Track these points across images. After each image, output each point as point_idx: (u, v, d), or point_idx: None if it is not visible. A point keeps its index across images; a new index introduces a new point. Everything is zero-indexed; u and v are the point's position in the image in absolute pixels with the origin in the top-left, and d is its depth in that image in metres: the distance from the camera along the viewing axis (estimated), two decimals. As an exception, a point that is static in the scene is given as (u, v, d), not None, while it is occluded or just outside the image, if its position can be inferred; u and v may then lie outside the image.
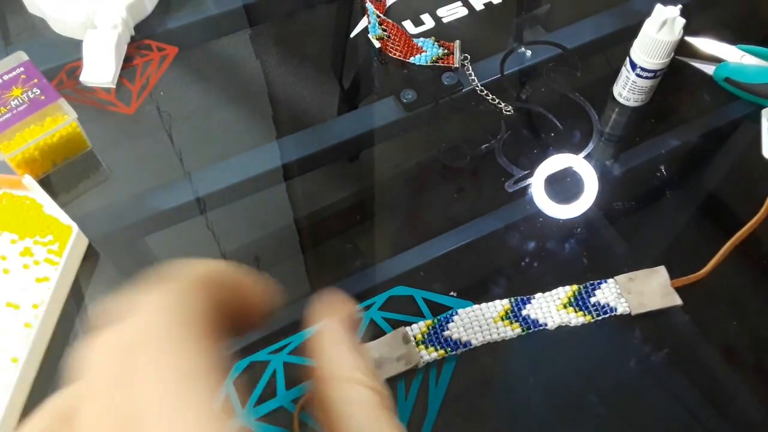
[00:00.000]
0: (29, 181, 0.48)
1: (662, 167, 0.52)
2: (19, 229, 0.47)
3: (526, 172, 0.52)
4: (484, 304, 0.30)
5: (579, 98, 0.56)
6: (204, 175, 0.51)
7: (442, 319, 0.35)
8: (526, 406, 0.42)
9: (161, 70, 0.57)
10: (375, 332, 0.44)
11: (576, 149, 0.53)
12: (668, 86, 0.55)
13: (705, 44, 0.58)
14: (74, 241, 0.46)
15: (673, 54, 0.51)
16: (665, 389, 0.43)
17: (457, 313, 0.33)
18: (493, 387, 0.43)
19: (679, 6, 0.49)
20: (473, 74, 0.57)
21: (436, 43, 0.58)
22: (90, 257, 0.47)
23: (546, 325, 0.32)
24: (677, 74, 0.56)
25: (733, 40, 0.57)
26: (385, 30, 0.58)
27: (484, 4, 0.62)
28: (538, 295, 0.32)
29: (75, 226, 0.46)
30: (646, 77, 0.52)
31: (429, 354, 0.33)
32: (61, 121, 0.49)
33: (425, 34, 0.60)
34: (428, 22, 0.61)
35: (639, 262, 0.46)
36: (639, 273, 0.37)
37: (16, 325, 0.44)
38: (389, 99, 0.56)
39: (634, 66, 0.52)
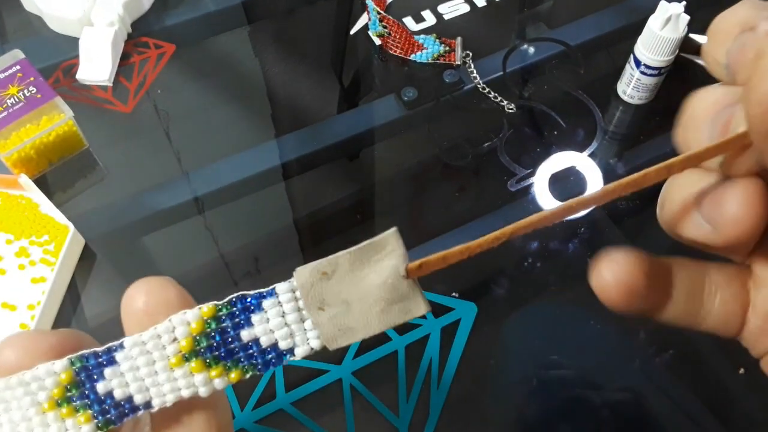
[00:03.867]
0: (25, 180, 0.48)
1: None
2: (14, 229, 0.47)
3: (529, 171, 0.51)
4: (16, 380, 0.16)
5: (582, 96, 0.56)
6: (202, 174, 0.51)
7: None
8: (529, 409, 0.42)
9: (158, 68, 0.57)
10: (376, 336, 0.43)
11: (579, 148, 0.53)
12: (673, 84, 0.54)
13: (710, 41, 0.57)
14: (70, 241, 0.45)
15: (677, 51, 0.50)
16: (669, 392, 0.42)
17: None
18: (495, 390, 0.43)
19: (684, 2, 0.49)
20: (475, 72, 0.56)
21: (437, 40, 0.58)
22: (86, 258, 0.47)
23: (150, 405, 0.16)
24: (682, 71, 0.55)
25: (739, 37, 0.57)
26: (385, 27, 0.58)
27: (486, 1, 0.62)
28: (131, 341, 0.16)
29: (71, 226, 0.46)
30: (651, 74, 0.52)
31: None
32: (58, 120, 0.49)
33: (426, 31, 0.59)
34: (429, 19, 0.60)
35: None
36: (342, 258, 0.17)
37: (12, 326, 0.43)
38: (390, 97, 0.55)
39: (638, 63, 0.51)
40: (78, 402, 0.16)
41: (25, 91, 0.49)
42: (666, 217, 0.17)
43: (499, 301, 0.46)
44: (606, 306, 0.17)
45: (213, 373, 0.16)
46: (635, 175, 0.16)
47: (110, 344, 0.16)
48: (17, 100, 0.48)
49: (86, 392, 0.16)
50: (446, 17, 0.61)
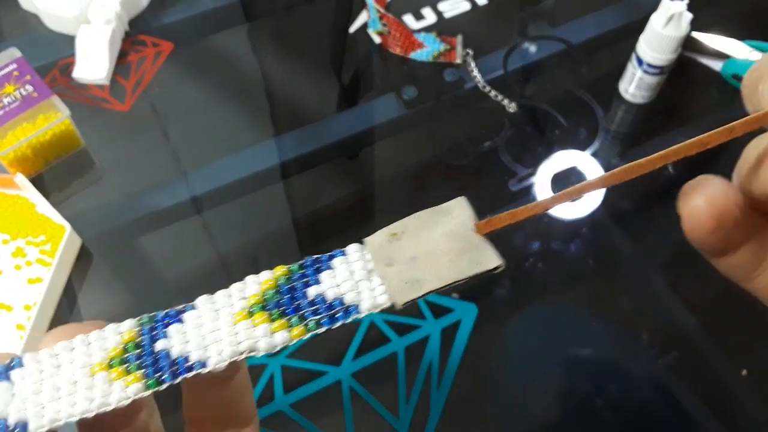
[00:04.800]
0: (21, 180, 0.47)
1: (669, 165, 0.51)
2: (11, 229, 0.47)
3: (530, 170, 0.51)
4: (79, 340, 0.16)
5: (584, 95, 0.55)
6: (200, 174, 0.51)
7: None
8: (530, 410, 0.41)
9: (156, 67, 0.56)
10: (375, 336, 0.43)
11: (581, 147, 0.52)
12: (675, 83, 0.54)
13: (712, 40, 0.57)
14: (67, 241, 0.45)
15: (680, 50, 0.50)
16: (671, 394, 0.42)
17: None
18: (496, 391, 0.42)
19: (686, 0, 0.48)
20: (476, 70, 0.56)
21: (437, 38, 0.57)
22: (83, 258, 0.47)
23: (205, 364, 0.16)
24: (684, 70, 0.55)
25: (741, 35, 0.56)
26: (385, 25, 0.57)
27: (486, -1, 0.61)
28: (203, 299, 0.17)
29: (68, 226, 0.46)
30: (653, 73, 0.51)
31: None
32: (54, 119, 0.48)
33: (427, 29, 0.59)
34: (430, 17, 0.60)
35: (646, 262, 0.45)
36: (412, 220, 0.18)
37: (9, 326, 0.43)
38: (389, 96, 0.55)
39: (640, 62, 0.51)
40: (132, 362, 0.16)
41: (22, 90, 0.49)
42: (741, 172, 0.17)
43: (500, 302, 0.45)
44: (687, 235, 0.16)
45: (275, 325, 0.16)
46: (700, 137, 0.16)
47: (183, 305, 0.16)
48: (13, 98, 0.48)
49: (143, 352, 0.16)
50: (447, 15, 0.60)
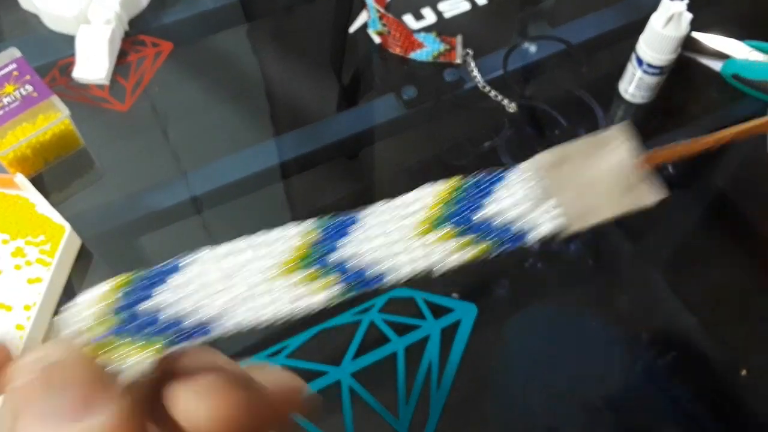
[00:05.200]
0: (21, 179, 0.47)
1: (668, 165, 0.51)
2: (10, 229, 0.46)
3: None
4: (241, 242, 0.16)
5: (584, 95, 0.55)
6: (200, 174, 0.51)
7: None
8: (529, 411, 0.41)
9: (156, 66, 0.56)
10: (375, 336, 0.43)
11: (581, 147, 0.52)
12: (675, 83, 0.54)
13: (712, 40, 0.57)
14: (67, 241, 0.45)
15: (680, 50, 0.50)
16: (671, 394, 0.42)
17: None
18: (496, 391, 0.42)
19: (686, 0, 0.48)
20: (476, 70, 0.56)
21: (437, 38, 0.57)
22: (83, 258, 0.47)
23: (381, 279, 0.15)
24: (684, 71, 0.55)
25: (741, 35, 0.56)
26: (385, 25, 0.57)
27: (486, -1, 0.61)
28: (379, 206, 0.16)
29: (67, 226, 0.46)
30: (653, 73, 0.51)
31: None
32: (54, 119, 0.48)
33: (426, 29, 0.59)
34: (429, 17, 0.60)
35: (646, 262, 0.45)
36: (575, 146, 0.18)
37: (8, 327, 0.43)
38: (389, 96, 0.55)
39: (640, 62, 0.51)
40: (316, 266, 0.16)
41: (21, 90, 0.49)
42: None
43: (500, 302, 0.45)
44: None
45: (453, 244, 0.16)
46: None
47: (351, 215, 0.16)
48: (13, 98, 0.48)
49: (323, 260, 0.16)
50: (446, 15, 0.60)
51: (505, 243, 0.16)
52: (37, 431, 0.13)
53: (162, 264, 0.16)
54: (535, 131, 0.53)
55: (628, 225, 0.49)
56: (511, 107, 0.54)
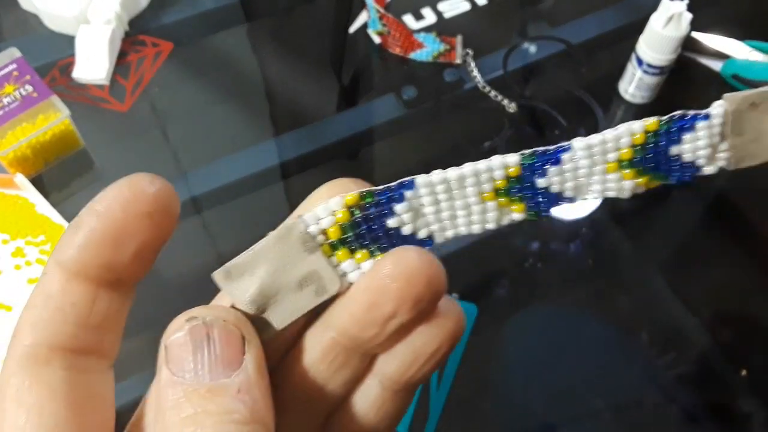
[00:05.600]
0: (21, 180, 0.47)
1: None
2: (10, 229, 0.46)
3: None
4: (468, 165, 0.18)
5: (584, 95, 0.55)
6: (199, 174, 0.50)
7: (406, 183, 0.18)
8: (529, 411, 0.41)
9: (156, 66, 0.56)
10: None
11: (580, 147, 0.52)
12: (675, 83, 0.54)
13: (712, 40, 0.56)
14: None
15: (679, 50, 0.50)
16: (671, 394, 0.42)
17: (413, 186, 0.18)
18: (496, 391, 0.42)
19: (686, 0, 0.48)
20: (476, 70, 0.56)
21: (437, 38, 0.57)
22: (83, 258, 0.46)
23: (571, 200, 0.18)
24: (684, 71, 0.55)
25: (741, 35, 0.56)
26: (385, 25, 0.57)
27: (486, -1, 0.61)
28: (577, 145, 0.17)
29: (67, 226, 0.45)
30: (653, 73, 0.51)
31: (358, 262, 0.17)
32: (54, 119, 0.48)
33: (426, 30, 0.59)
34: (429, 17, 0.60)
35: (646, 262, 0.45)
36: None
37: (8, 327, 0.43)
38: (389, 96, 0.55)
39: (640, 62, 0.51)
40: (515, 194, 0.17)
41: (21, 90, 0.48)
42: None
43: (500, 302, 0.45)
44: None
45: (640, 180, 0.18)
46: None
47: (560, 146, 0.17)
48: (13, 98, 0.48)
49: (524, 185, 0.17)
50: (446, 15, 0.60)
51: (677, 177, 0.18)
52: (180, 383, 0.14)
53: (395, 183, 0.17)
54: (535, 131, 0.53)
55: (628, 225, 0.49)
56: (511, 107, 0.54)
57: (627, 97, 0.54)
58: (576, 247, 0.47)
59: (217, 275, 0.17)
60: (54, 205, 0.47)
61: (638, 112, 0.54)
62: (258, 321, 0.16)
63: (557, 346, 0.44)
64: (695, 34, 0.56)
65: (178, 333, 0.15)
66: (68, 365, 0.15)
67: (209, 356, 0.14)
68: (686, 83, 0.56)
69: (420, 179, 0.17)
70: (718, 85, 0.56)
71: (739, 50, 0.56)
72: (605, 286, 0.47)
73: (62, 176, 0.50)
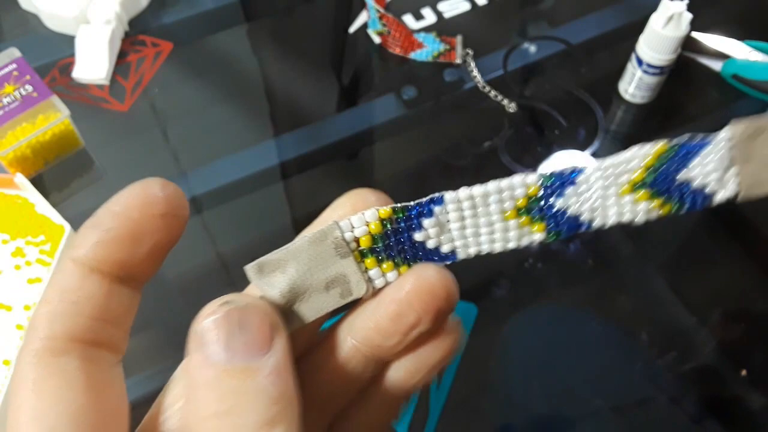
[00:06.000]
0: (21, 179, 0.47)
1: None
2: (10, 229, 0.46)
3: (530, 170, 0.51)
4: (492, 183, 0.18)
5: (584, 95, 0.55)
6: (199, 174, 0.50)
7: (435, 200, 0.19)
8: (529, 411, 0.41)
9: (156, 66, 0.56)
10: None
11: (581, 147, 0.52)
12: (675, 83, 0.54)
13: (712, 40, 0.56)
14: (67, 241, 0.45)
15: (679, 50, 0.50)
16: (671, 394, 0.42)
17: (441, 202, 0.18)
18: (496, 391, 0.42)
19: (686, 1, 0.48)
20: (475, 70, 0.56)
21: (437, 38, 0.57)
22: (83, 258, 0.46)
23: (589, 224, 0.18)
24: (684, 71, 0.55)
25: (741, 35, 0.56)
26: (385, 25, 0.57)
27: (486, -1, 0.61)
28: (591, 167, 0.18)
29: (67, 226, 0.45)
30: (653, 73, 0.51)
31: (384, 272, 0.18)
32: (54, 119, 0.48)
33: (426, 29, 0.59)
34: (429, 17, 0.60)
35: (646, 262, 0.45)
36: None
37: (8, 327, 0.43)
38: (389, 96, 0.55)
39: (640, 62, 0.51)
40: (536, 214, 0.18)
41: (21, 90, 0.48)
42: None
43: (500, 302, 0.45)
44: None
45: (653, 203, 0.18)
46: None
47: (573, 169, 0.18)
48: (13, 98, 0.48)
49: (544, 205, 0.18)
50: (446, 15, 0.60)
51: (688, 204, 0.18)
52: (214, 365, 0.15)
53: (426, 198, 0.18)
54: (535, 131, 0.53)
55: (627, 225, 0.49)
56: (511, 107, 0.54)
57: (627, 97, 0.54)
58: (576, 247, 0.47)
59: (250, 269, 0.17)
60: (54, 205, 0.47)
61: (638, 112, 0.54)
62: (283, 315, 0.17)
63: (557, 346, 0.44)
64: (695, 34, 0.56)
65: (212, 316, 0.15)
66: (84, 356, 0.15)
67: (242, 339, 0.15)
68: (686, 83, 0.56)
69: (448, 195, 0.18)
70: (718, 84, 0.56)
71: (739, 50, 0.56)
72: (605, 286, 0.47)
73: (62, 176, 0.50)
